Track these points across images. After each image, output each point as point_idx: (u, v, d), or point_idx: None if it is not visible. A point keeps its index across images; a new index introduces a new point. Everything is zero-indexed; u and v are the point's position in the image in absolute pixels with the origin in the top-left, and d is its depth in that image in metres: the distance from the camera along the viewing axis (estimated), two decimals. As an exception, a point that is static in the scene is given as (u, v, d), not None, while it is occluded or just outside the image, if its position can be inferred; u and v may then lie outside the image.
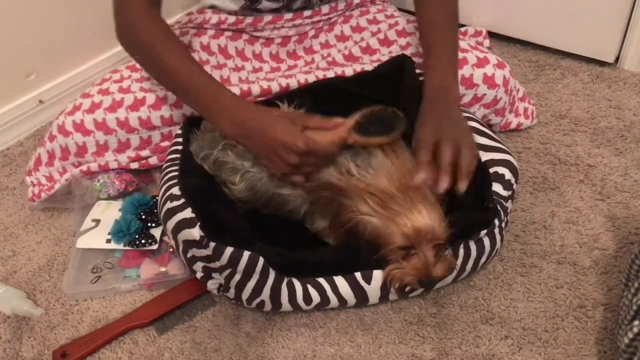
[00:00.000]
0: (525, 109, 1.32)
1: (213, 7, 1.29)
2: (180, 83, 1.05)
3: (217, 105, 1.01)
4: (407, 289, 0.95)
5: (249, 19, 1.25)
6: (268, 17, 1.26)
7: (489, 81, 1.20)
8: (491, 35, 1.59)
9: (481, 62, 1.20)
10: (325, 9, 1.30)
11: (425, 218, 0.89)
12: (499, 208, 0.98)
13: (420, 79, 1.19)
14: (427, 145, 0.96)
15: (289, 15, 1.28)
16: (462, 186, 0.93)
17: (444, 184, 0.92)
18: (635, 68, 1.49)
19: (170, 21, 1.57)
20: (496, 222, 0.97)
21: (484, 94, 1.21)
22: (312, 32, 1.31)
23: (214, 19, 1.27)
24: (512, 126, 1.31)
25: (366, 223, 0.92)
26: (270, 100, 1.18)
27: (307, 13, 1.29)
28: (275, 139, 0.95)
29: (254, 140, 0.99)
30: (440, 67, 1.08)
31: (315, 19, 1.30)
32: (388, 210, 0.90)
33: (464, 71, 1.20)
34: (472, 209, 0.97)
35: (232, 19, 1.26)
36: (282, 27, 1.28)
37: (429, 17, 1.14)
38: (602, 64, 1.52)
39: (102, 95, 1.18)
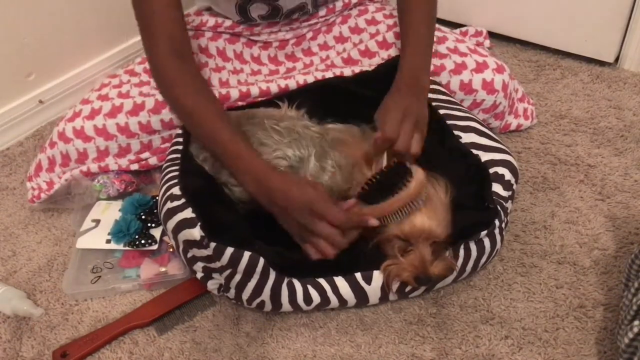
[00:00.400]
0: (525, 110, 1.32)
1: (209, 10, 1.29)
2: (205, 138, 1.02)
3: (242, 165, 0.97)
4: (407, 289, 0.95)
5: (245, 24, 1.26)
6: (264, 22, 1.27)
7: (488, 87, 1.20)
8: (491, 35, 1.59)
9: (480, 67, 1.20)
10: (322, 11, 1.30)
11: (424, 215, 0.89)
12: (499, 208, 0.98)
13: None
14: (391, 123, 0.97)
15: (285, 20, 1.28)
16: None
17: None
18: (635, 68, 1.49)
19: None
20: (496, 222, 0.97)
21: (483, 100, 1.21)
22: (309, 35, 1.31)
23: (211, 21, 1.27)
24: (512, 127, 1.31)
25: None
26: (270, 100, 1.19)
27: (303, 17, 1.29)
28: (306, 202, 0.90)
29: (277, 201, 0.93)
30: (412, 58, 1.09)
31: (312, 21, 1.30)
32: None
33: (463, 76, 1.20)
34: (472, 209, 0.97)
35: (228, 22, 1.26)
36: (279, 31, 1.29)
37: (406, 19, 1.15)
38: (602, 64, 1.52)
39: (101, 101, 1.18)
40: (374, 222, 0.89)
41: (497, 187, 1.01)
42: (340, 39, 1.32)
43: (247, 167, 0.96)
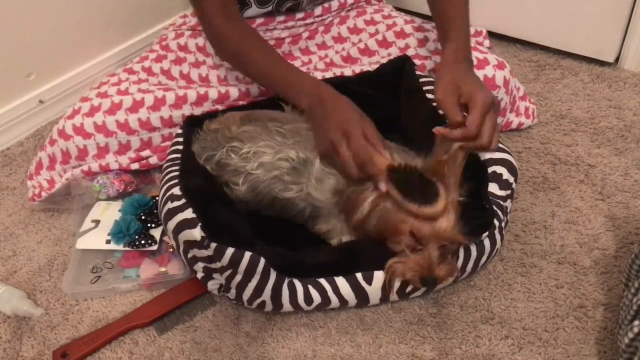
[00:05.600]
0: (526, 108, 1.32)
1: None
2: (268, 81, 1.11)
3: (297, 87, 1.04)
4: (407, 290, 0.95)
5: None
6: (260, 20, 1.27)
7: (490, 83, 1.20)
8: (491, 35, 1.58)
9: (481, 64, 1.20)
10: (317, 10, 1.30)
11: (445, 219, 0.88)
12: (495, 208, 0.98)
13: (421, 78, 1.19)
14: (454, 104, 0.95)
15: (280, 18, 1.28)
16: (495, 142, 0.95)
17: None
18: (635, 68, 1.49)
19: (165, 23, 1.57)
20: (495, 222, 0.97)
21: None
22: (305, 34, 1.31)
23: None
24: (513, 126, 1.31)
25: (380, 206, 0.91)
26: (272, 100, 1.19)
27: (299, 15, 1.29)
28: (351, 126, 0.94)
29: (327, 114, 0.97)
30: (459, 38, 1.08)
31: (308, 20, 1.30)
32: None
33: None
34: (471, 208, 0.97)
35: None
36: (275, 29, 1.29)
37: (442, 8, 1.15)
38: (602, 64, 1.52)
39: (100, 99, 1.18)
40: (382, 186, 0.90)
41: (493, 187, 1.01)
42: (339, 39, 1.32)
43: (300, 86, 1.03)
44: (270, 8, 1.26)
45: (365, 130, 0.94)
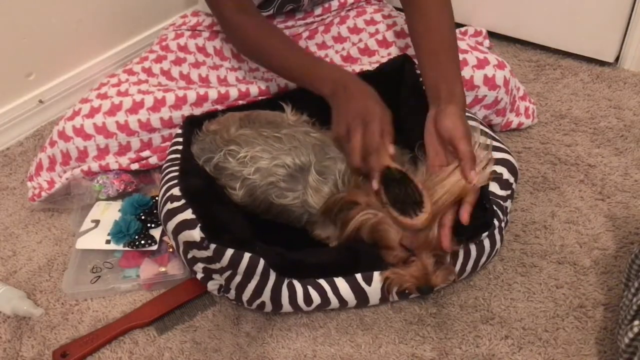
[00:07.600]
0: (526, 108, 1.32)
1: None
2: (283, 69, 1.11)
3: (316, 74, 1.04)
4: (407, 291, 0.95)
5: None
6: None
7: (490, 82, 1.20)
8: (491, 35, 1.59)
9: (481, 63, 1.20)
10: (317, 10, 1.30)
11: (436, 230, 0.88)
12: (495, 208, 0.98)
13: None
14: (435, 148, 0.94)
15: (280, 18, 1.28)
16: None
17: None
18: (635, 68, 1.49)
19: (165, 23, 1.57)
20: (495, 222, 0.97)
21: (485, 95, 1.21)
22: (306, 34, 1.31)
23: (207, 21, 1.27)
24: (513, 125, 1.31)
25: (371, 218, 0.91)
26: (272, 100, 1.19)
27: (299, 15, 1.29)
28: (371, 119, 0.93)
29: (346, 102, 0.97)
30: (441, 67, 1.01)
31: (308, 20, 1.30)
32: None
33: (465, 73, 1.19)
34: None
35: None
36: None
37: (423, 22, 1.07)
38: (602, 63, 1.52)
39: (100, 100, 1.18)
40: (375, 184, 0.90)
41: (493, 186, 1.01)
42: (339, 39, 1.32)
43: (322, 75, 1.03)
44: (271, 12, 1.26)
45: (383, 125, 0.93)
